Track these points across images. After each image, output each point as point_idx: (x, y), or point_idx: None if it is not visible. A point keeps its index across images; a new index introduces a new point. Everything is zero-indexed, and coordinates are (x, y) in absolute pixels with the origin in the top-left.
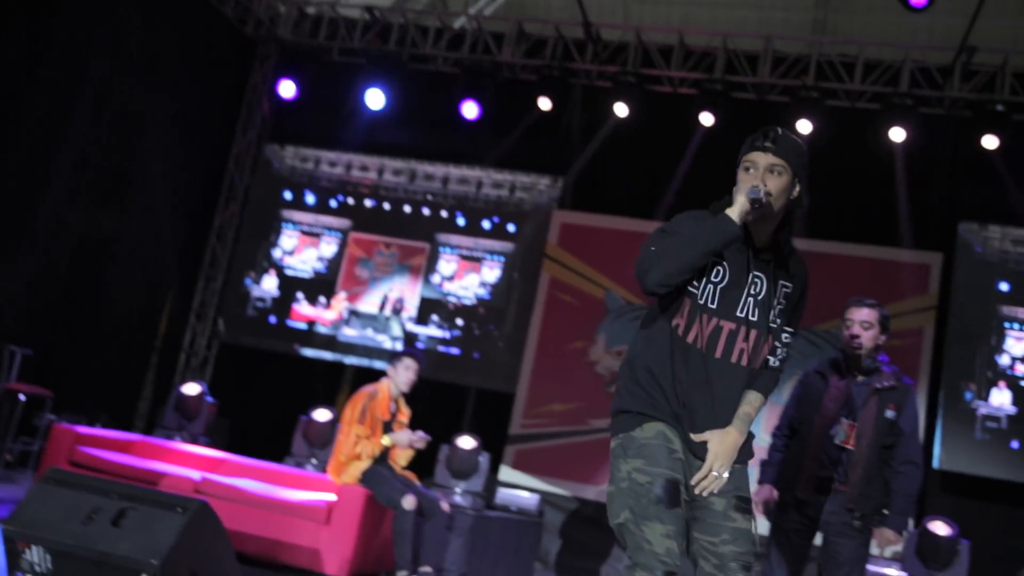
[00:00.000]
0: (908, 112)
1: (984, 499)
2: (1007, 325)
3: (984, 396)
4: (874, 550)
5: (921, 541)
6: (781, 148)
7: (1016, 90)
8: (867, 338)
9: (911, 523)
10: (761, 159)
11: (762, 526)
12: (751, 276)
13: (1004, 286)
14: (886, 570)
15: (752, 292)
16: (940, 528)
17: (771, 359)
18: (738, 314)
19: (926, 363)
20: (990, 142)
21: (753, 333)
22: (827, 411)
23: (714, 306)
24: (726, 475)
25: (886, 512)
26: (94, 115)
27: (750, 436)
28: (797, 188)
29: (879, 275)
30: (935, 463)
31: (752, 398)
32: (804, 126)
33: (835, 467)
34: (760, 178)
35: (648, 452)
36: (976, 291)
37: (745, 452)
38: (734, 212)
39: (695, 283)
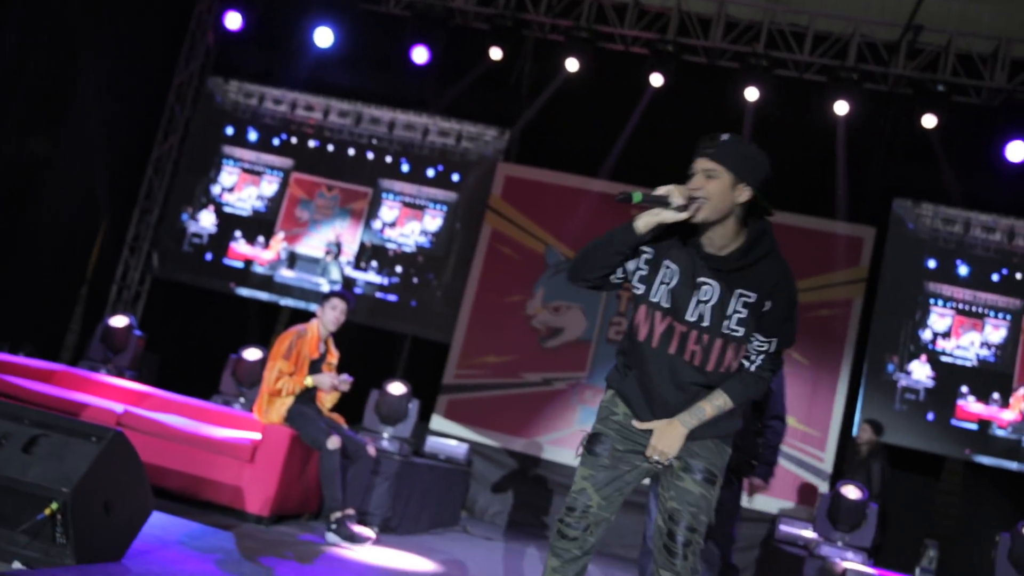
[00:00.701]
0: (853, 86)
1: (897, 467)
2: (932, 301)
3: (905, 369)
4: (745, 500)
5: (833, 503)
6: (720, 153)
7: (958, 71)
8: None
9: (826, 486)
10: (699, 164)
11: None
12: (698, 282)
13: (932, 263)
14: (799, 530)
15: (702, 298)
16: (852, 492)
17: (746, 363)
18: (688, 318)
19: (853, 333)
20: (929, 121)
21: (705, 337)
22: None
23: (667, 307)
24: (668, 462)
25: (754, 463)
26: (24, 33)
27: (726, 414)
28: (743, 192)
29: (813, 245)
30: (854, 431)
31: (714, 395)
32: (752, 93)
33: None
34: (695, 184)
35: (598, 413)
36: (905, 266)
37: (719, 428)
38: (640, 219)
39: (641, 285)
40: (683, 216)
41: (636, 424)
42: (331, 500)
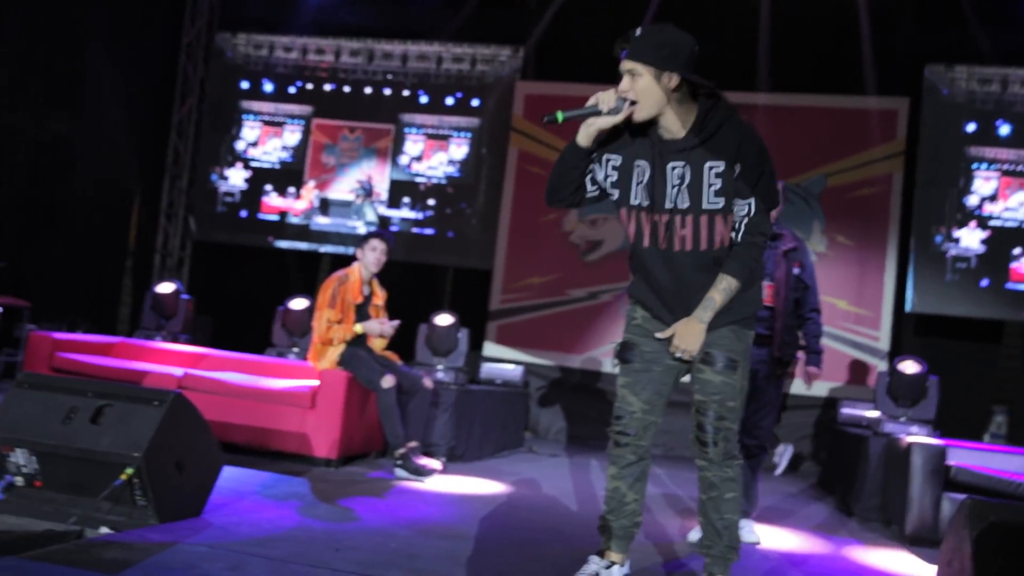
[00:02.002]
0: None
1: (955, 338)
2: (975, 166)
3: (953, 238)
4: (802, 389)
5: (892, 380)
6: (635, 50)
7: None
8: (778, 209)
9: (884, 364)
10: (623, 65)
11: None
12: (668, 168)
13: (971, 127)
14: (861, 411)
15: (675, 182)
16: (909, 367)
17: (734, 235)
18: (667, 206)
19: (896, 209)
20: None
21: (688, 219)
22: None
23: (647, 203)
24: (689, 354)
25: (800, 355)
26: (31, 16)
27: (737, 300)
28: (671, 78)
29: (846, 124)
30: (907, 307)
31: (717, 281)
32: None
33: (760, 324)
34: (623, 86)
35: (625, 322)
36: (944, 134)
37: (733, 314)
38: (580, 132)
39: (615, 190)
40: (619, 118)
41: (657, 335)
42: (392, 437)
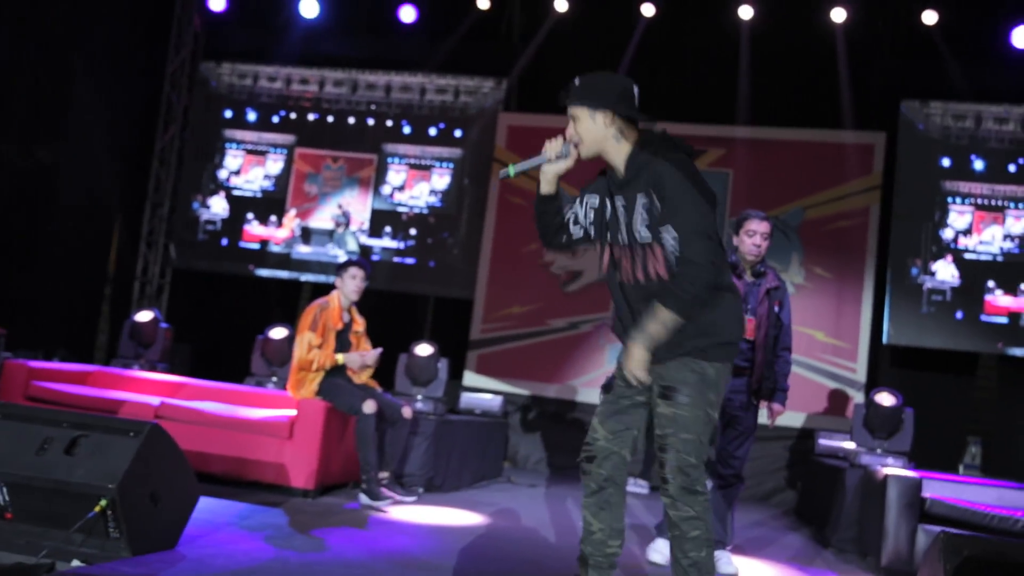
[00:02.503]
0: None
1: (931, 370)
2: (950, 200)
3: (929, 271)
4: (764, 420)
5: (869, 412)
6: (572, 96)
7: None
8: (764, 248)
9: (861, 396)
10: (568, 113)
11: None
12: (615, 203)
13: (946, 161)
14: (838, 442)
15: (621, 217)
16: (885, 399)
17: (662, 267)
18: (620, 240)
19: (873, 242)
20: (930, 17)
21: (629, 252)
22: None
23: (608, 239)
24: (637, 380)
25: (772, 390)
26: (14, 43)
27: (689, 330)
28: (604, 115)
29: (824, 158)
30: (884, 338)
31: (653, 310)
32: (746, 12)
33: (741, 356)
34: (568, 132)
35: None
36: (919, 168)
37: (684, 347)
38: (541, 182)
39: (592, 228)
40: (568, 162)
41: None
42: (364, 463)
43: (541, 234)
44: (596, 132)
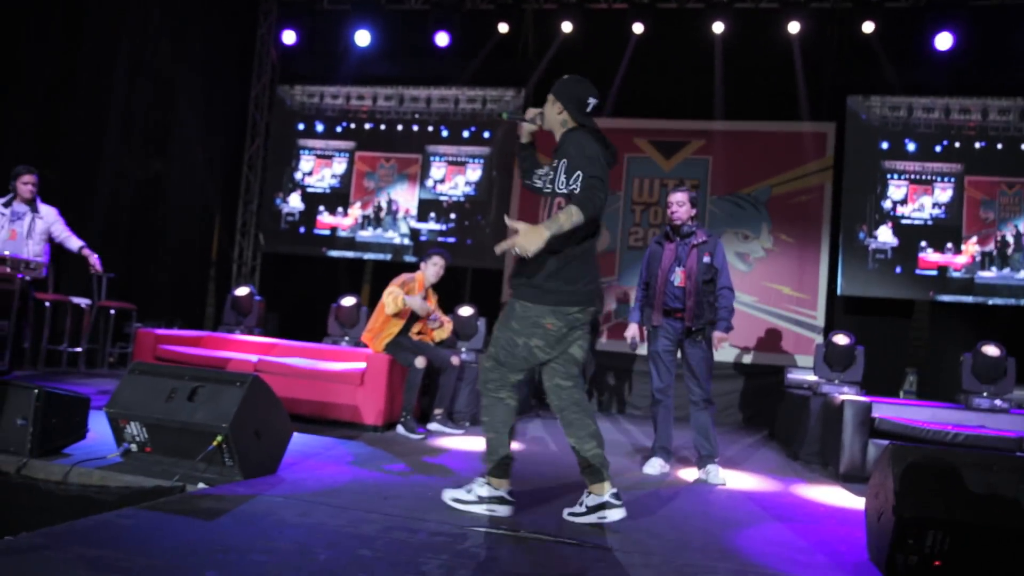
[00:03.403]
0: (801, 8)
1: (876, 314)
2: (889, 176)
3: (873, 235)
4: (734, 357)
5: (827, 350)
6: (551, 88)
7: None
8: (681, 212)
9: (820, 338)
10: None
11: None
12: (553, 165)
13: (885, 144)
14: (803, 376)
15: (554, 174)
16: (841, 339)
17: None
18: (551, 189)
19: (827, 212)
20: (868, 27)
21: (556, 199)
22: (665, 265)
23: (549, 189)
24: (521, 249)
25: (714, 323)
26: (131, 78)
27: (536, 281)
28: (556, 104)
29: (786, 145)
30: (839, 291)
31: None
32: (718, 27)
33: (677, 300)
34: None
35: None
36: (863, 151)
37: (520, 291)
38: (521, 134)
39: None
40: (534, 127)
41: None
42: (406, 404)
43: (521, 172)
44: (552, 115)
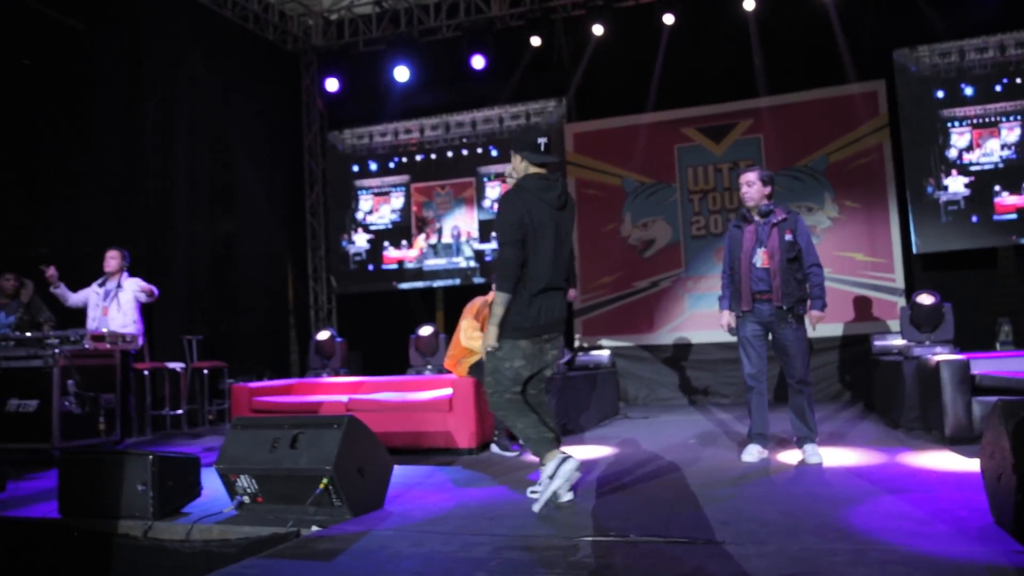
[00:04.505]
0: None
1: (958, 268)
2: (949, 124)
3: (942, 186)
4: (818, 330)
5: (913, 312)
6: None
7: None
8: (752, 192)
9: (903, 300)
10: None
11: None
12: None
13: (940, 93)
14: (892, 341)
15: None
16: (926, 299)
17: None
18: None
19: (890, 170)
20: None
21: None
22: (747, 248)
23: None
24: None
25: (807, 302)
26: (191, 145)
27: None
28: (516, 156)
29: (836, 110)
30: (914, 249)
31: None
32: (749, 4)
33: (762, 282)
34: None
35: None
36: (918, 103)
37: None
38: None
39: None
40: (514, 179)
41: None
42: (497, 422)
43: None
44: (519, 168)
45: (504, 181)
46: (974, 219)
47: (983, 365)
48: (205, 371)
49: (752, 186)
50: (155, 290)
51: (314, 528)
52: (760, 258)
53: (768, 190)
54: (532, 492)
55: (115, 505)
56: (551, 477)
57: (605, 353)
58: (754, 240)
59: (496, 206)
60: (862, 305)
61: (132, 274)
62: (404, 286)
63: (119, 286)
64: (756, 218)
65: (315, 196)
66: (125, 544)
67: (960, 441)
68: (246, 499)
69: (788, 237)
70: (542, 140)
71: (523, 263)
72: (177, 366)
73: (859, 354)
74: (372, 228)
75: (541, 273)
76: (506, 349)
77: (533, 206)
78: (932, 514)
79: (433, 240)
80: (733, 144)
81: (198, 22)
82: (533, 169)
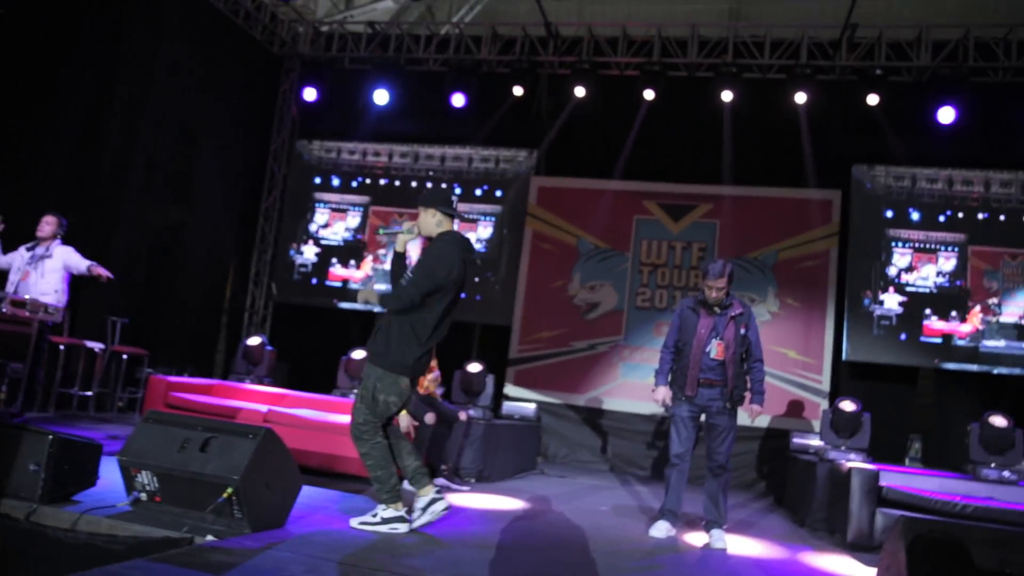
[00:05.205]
0: (808, 80)
1: (882, 380)
2: (893, 244)
3: (878, 301)
4: (746, 421)
5: (834, 416)
6: (420, 200)
7: (890, 57)
8: (724, 293)
9: (826, 402)
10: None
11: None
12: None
13: (889, 213)
14: (810, 441)
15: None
16: (848, 405)
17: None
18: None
19: (833, 277)
20: (872, 99)
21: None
22: (702, 336)
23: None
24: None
25: (747, 394)
26: (157, 129)
27: (391, 354)
28: (432, 211)
29: (792, 211)
30: (844, 356)
31: (385, 289)
32: (727, 96)
33: (711, 371)
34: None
35: None
36: (868, 218)
37: (385, 361)
38: (397, 244)
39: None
40: (412, 235)
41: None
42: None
43: (391, 278)
44: (427, 222)
45: (400, 232)
46: (903, 337)
47: (892, 478)
48: (124, 356)
49: (722, 291)
50: (105, 272)
51: (209, 537)
52: (715, 349)
53: (730, 287)
54: (362, 524)
55: (1, 482)
56: (385, 521)
57: (531, 407)
58: (710, 330)
59: (421, 248)
60: (787, 401)
61: (67, 243)
62: (345, 305)
63: (47, 252)
64: (717, 308)
65: (272, 200)
66: (3, 525)
67: (860, 548)
68: (143, 496)
69: (742, 331)
70: (454, 198)
71: (418, 307)
72: (96, 346)
73: (777, 448)
74: (323, 242)
75: (435, 327)
76: (387, 383)
77: (459, 263)
78: None
79: (381, 265)
80: (691, 225)
81: (187, 7)
82: (447, 224)
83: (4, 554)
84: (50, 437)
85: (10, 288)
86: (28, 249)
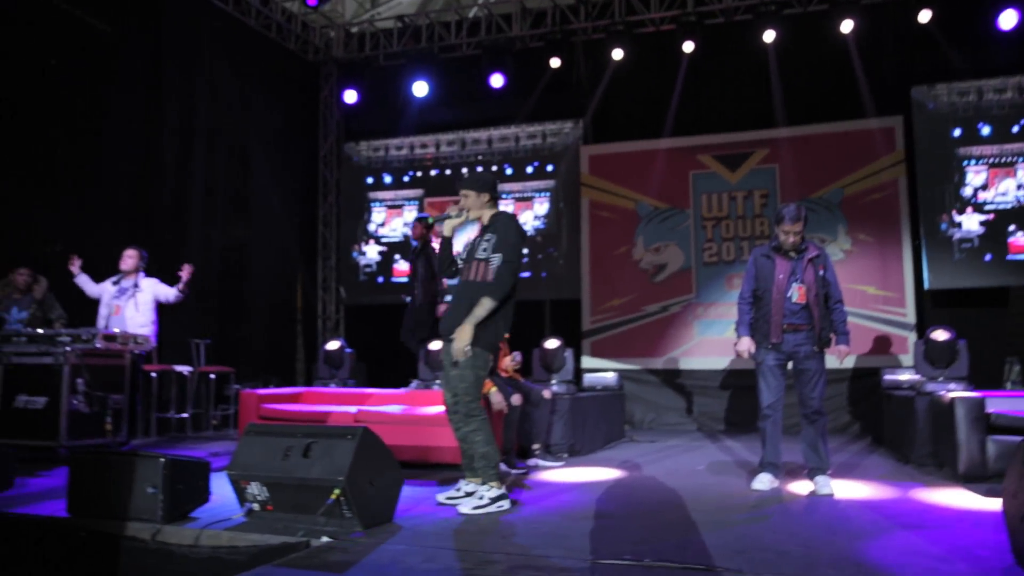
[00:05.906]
0: (853, 6)
1: (968, 306)
2: (965, 163)
3: (956, 224)
4: (833, 364)
5: (927, 348)
6: (465, 183)
7: None
8: (799, 238)
9: (914, 335)
10: (460, 191)
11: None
12: (475, 242)
13: (957, 131)
14: (902, 376)
15: (472, 249)
16: (941, 335)
17: (489, 276)
18: (471, 258)
19: (905, 206)
20: (924, 16)
21: (473, 264)
22: (781, 282)
23: (464, 257)
24: (461, 352)
25: (832, 336)
26: (209, 153)
27: (487, 328)
28: (483, 196)
29: (853, 144)
30: (926, 285)
31: (479, 300)
32: (769, 36)
33: (795, 315)
34: (461, 203)
35: None
36: (934, 140)
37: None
38: (444, 229)
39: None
40: (461, 218)
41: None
42: (507, 443)
43: (442, 267)
44: (479, 205)
45: (448, 217)
46: (987, 258)
47: (998, 404)
48: (212, 375)
49: (799, 235)
50: (187, 273)
51: (324, 539)
52: (796, 293)
53: (802, 225)
54: (449, 499)
55: (124, 506)
56: (492, 500)
57: (612, 375)
58: (789, 275)
59: (497, 223)
60: (873, 338)
61: (147, 275)
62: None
63: (136, 286)
64: (792, 255)
65: (328, 206)
66: (133, 547)
67: (974, 479)
68: (256, 506)
69: (821, 272)
70: (496, 181)
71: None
72: (184, 369)
73: (868, 387)
74: (384, 240)
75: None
76: (482, 360)
77: (523, 236)
78: (949, 552)
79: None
80: (749, 173)
81: (221, 29)
82: (495, 206)
83: (140, 573)
84: (162, 460)
85: (100, 323)
86: (114, 283)
